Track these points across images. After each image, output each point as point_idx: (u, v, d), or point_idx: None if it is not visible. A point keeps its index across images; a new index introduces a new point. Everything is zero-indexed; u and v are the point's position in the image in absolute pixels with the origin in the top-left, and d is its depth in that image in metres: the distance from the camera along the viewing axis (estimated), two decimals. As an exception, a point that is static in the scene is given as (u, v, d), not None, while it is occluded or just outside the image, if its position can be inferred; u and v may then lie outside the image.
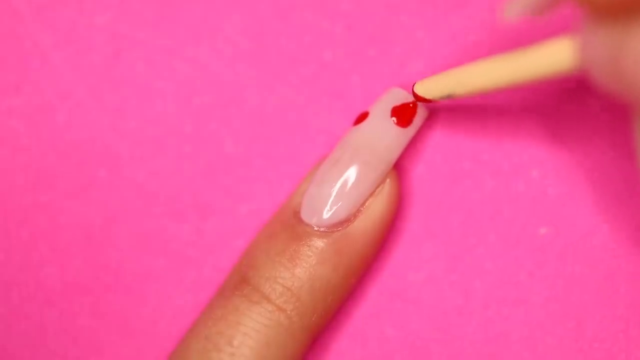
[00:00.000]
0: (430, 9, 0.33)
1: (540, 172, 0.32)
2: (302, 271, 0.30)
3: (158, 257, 0.33)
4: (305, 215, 0.31)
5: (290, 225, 0.31)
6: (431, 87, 0.30)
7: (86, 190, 0.33)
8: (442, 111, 0.33)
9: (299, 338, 0.30)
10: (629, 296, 0.32)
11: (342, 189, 0.31)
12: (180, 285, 0.33)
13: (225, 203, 0.33)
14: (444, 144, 0.33)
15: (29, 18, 0.33)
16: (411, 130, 0.31)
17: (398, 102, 0.31)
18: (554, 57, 0.24)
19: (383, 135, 0.31)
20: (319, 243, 0.30)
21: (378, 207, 0.31)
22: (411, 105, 0.31)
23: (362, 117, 0.32)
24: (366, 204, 0.31)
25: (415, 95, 0.31)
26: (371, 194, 0.31)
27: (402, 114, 0.31)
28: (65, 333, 0.33)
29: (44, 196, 0.33)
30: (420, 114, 0.32)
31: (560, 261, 0.32)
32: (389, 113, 0.31)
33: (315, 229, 0.30)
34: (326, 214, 0.30)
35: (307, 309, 0.30)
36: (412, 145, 0.32)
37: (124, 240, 0.33)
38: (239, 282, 0.30)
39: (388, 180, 0.31)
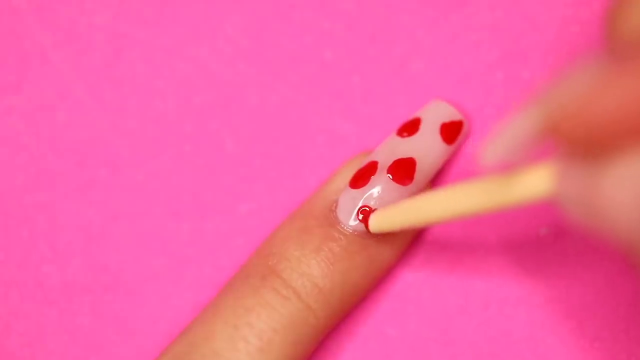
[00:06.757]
0: (430, 9, 0.33)
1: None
2: (336, 273, 0.30)
3: (158, 257, 0.33)
4: (342, 216, 0.30)
5: (326, 223, 0.30)
6: (391, 221, 0.29)
7: (86, 190, 0.33)
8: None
9: (319, 339, 0.30)
10: (629, 296, 0.32)
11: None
12: (180, 285, 0.33)
13: (225, 203, 0.33)
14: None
15: (30, 17, 0.33)
16: (453, 147, 0.31)
17: (447, 119, 0.31)
18: (530, 184, 0.23)
19: (430, 152, 0.31)
20: (355, 247, 0.30)
21: None
22: (459, 123, 0.31)
23: (409, 127, 0.31)
24: None
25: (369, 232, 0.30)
26: None
27: (451, 132, 0.31)
28: (64, 333, 0.33)
29: (44, 196, 0.33)
30: (464, 131, 0.32)
31: (560, 261, 0.32)
32: (437, 129, 0.31)
33: (351, 231, 0.30)
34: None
35: (334, 312, 0.30)
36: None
37: (124, 240, 0.33)
38: (269, 272, 0.30)
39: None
